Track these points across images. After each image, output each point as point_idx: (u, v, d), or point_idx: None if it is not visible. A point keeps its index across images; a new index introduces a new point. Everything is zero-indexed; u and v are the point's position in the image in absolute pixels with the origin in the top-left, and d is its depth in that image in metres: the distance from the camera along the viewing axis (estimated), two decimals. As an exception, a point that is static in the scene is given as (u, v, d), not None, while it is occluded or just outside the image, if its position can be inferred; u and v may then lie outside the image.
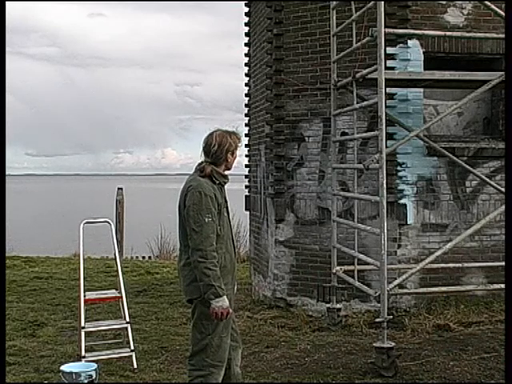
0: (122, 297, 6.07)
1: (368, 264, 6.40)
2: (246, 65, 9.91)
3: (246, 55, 9.89)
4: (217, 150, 4.22)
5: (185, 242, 4.20)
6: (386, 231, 5.75)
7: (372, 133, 6.56)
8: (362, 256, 6.58)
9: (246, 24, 9.76)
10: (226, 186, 4.37)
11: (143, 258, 15.97)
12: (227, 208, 4.35)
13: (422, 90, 7.32)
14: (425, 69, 7.28)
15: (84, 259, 6.28)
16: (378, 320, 5.76)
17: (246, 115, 9.97)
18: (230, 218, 4.45)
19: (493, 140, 7.67)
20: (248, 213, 9.98)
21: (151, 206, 49.63)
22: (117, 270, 6.22)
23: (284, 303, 8.00)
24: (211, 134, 4.28)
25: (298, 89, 7.87)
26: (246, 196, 9.91)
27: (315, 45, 7.76)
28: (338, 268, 7.15)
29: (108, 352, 5.98)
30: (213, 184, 4.20)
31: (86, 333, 5.83)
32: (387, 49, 6.74)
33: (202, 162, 4.27)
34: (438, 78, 6.65)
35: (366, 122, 7.46)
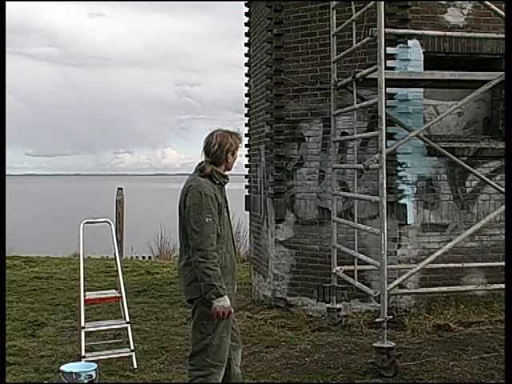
0: (122, 297, 6.07)
1: (368, 264, 6.40)
2: (245, 65, 9.91)
3: (245, 55, 9.89)
4: (217, 150, 4.22)
5: (185, 242, 4.20)
6: (385, 231, 5.75)
7: (372, 133, 6.56)
8: (362, 256, 6.57)
9: (245, 24, 9.76)
10: (226, 186, 4.36)
11: (143, 257, 15.96)
12: (227, 208, 4.35)
13: (422, 90, 7.32)
14: (425, 69, 7.28)
15: (84, 259, 6.28)
16: (377, 320, 5.76)
17: (246, 115, 9.97)
18: (230, 217, 4.45)
19: (493, 140, 7.67)
20: (248, 213, 9.97)
21: (151, 205, 49.61)
22: (117, 270, 6.22)
23: (284, 303, 8.00)
24: (212, 134, 4.28)
25: (298, 89, 7.87)
26: (246, 196, 9.91)
27: (315, 45, 7.76)
28: (338, 268, 7.15)
29: (108, 352, 5.98)
30: (213, 184, 4.20)
31: (86, 333, 5.83)
32: (387, 49, 6.73)
33: (203, 162, 4.27)
34: (438, 78, 6.65)
35: (365, 121, 7.46)
